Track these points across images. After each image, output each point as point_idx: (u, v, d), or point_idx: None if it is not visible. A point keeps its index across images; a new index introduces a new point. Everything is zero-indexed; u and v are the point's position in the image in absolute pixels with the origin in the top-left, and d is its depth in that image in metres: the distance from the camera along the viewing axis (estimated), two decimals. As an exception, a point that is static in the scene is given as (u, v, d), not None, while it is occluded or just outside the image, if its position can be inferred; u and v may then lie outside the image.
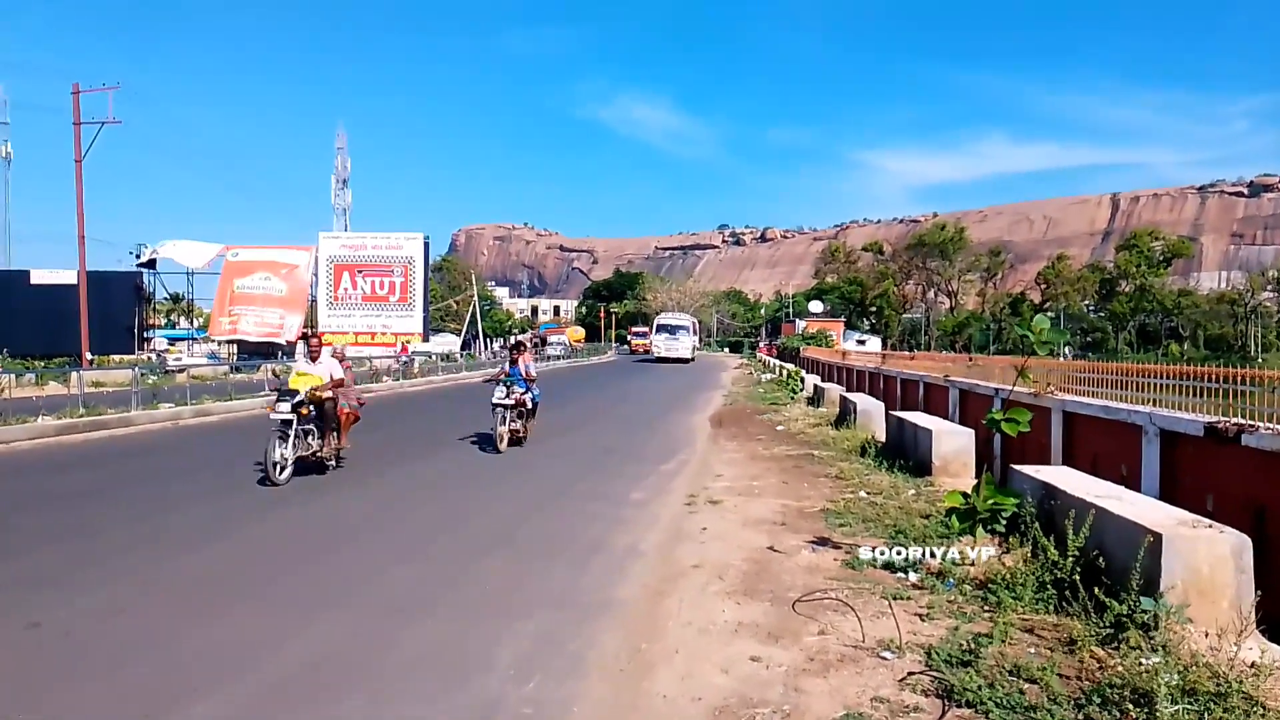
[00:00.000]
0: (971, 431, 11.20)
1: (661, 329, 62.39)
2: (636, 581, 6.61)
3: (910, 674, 4.58)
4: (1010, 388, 10.40)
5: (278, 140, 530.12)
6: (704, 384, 35.46)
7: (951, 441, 10.86)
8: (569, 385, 32.14)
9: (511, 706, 4.34)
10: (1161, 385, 11.40)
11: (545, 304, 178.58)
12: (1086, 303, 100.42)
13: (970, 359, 21.05)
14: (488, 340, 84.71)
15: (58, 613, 5.75)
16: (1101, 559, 5.44)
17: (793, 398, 24.47)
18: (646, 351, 78.51)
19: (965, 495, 6.47)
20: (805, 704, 4.32)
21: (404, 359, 37.20)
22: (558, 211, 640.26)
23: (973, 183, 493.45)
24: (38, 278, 48.54)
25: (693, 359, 61.66)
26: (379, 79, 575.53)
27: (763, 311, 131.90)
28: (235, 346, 51.73)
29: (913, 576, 6.30)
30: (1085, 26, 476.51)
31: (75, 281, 38.61)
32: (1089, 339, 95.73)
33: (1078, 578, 5.37)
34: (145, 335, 51.84)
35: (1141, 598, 4.84)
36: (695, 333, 68.12)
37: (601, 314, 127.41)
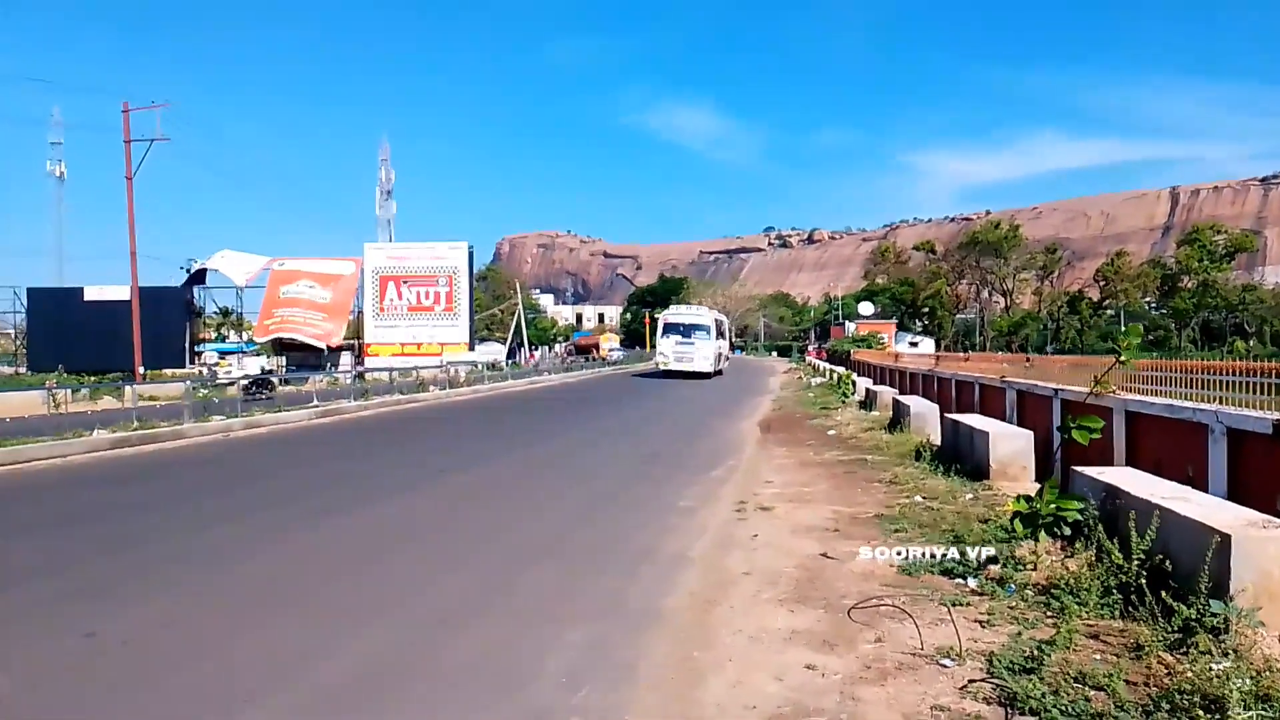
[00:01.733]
0: (1030, 433, 10.94)
1: (670, 330, 43.05)
2: (686, 589, 6.51)
3: (971, 682, 4.44)
4: (1070, 388, 10.15)
5: (323, 154, 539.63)
6: (751, 389, 35.26)
7: (1009, 444, 10.62)
8: (604, 395, 32.12)
9: (562, 715, 4.28)
10: (1227, 383, 11.05)
11: (589, 311, 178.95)
12: (1147, 300, 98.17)
13: (1027, 359, 20.64)
14: (533, 348, 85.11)
15: (113, 622, 5.82)
16: (1168, 562, 5.24)
17: (844, 402, 24.20)
18: None
19: (1027, 499, 6.30)
20: (862, 712, 4.21)
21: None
22: (601, 218, 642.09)
23: (1026, 180, 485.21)
24: (91, 294, 49.76)
25: (717, 372, 44.30)
26: (422, 91, 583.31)
27: (811, 314, 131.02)
28: (282, 357, 52.62)
29: (972, 582, 6.14)
30: (1139, 19, 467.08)
31: (128, 298, 39.52)
32: (1151, 337, 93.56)
33: (1144, 581, 5.19)
34: (196, 349, 52.90)
35: (1210, 601, 4.66)
36: (722, 334, 48.95)
37: (646, 320, 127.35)
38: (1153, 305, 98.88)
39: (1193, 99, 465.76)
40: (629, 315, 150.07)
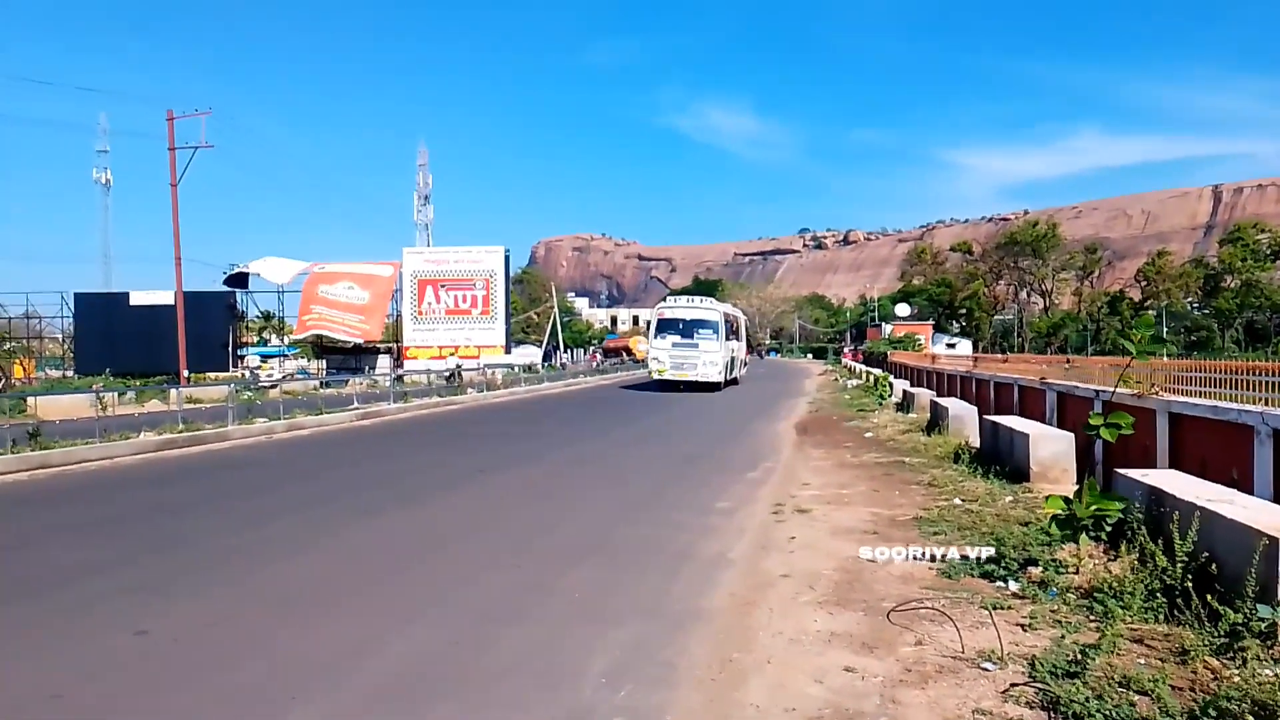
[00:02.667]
0: (1071, 435, 10.83)
1: (666, 328, 33.54)
2: (725, 591, 6.55)
3: (1013, 685, 4.44)
4: (1111, 389, 10.04)
5: (362, 158, 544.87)
6: (788, 391, 35.15)
7: (1050, 446, 10.54)
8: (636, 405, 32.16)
9: (604, 715, 4.33)
10: (1273, 384, 10.87)
11: (624, 314, 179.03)
12: (1190, 300, 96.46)
13: (1067, 360, 20.38)
14: (569, 351, 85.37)
15: (163, 620, 5.96)
16: (1214, 565, 5.20)
17: (881, 404, 24.06)
18: None
19: (1067, 501, 6.25)
20: (903, 715, 4.22)
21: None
22: (635, 221, 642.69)
23: (1065, 178, 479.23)
24: (137, 299, 50.60)
25: (731, 381, 35.63)
26: (458, 95, 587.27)
27: (846, 316, 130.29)
28: (323, 360, 53.24)
29: (1013, 585, 6.11)
30: (1180, 12, 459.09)
31: (172, 302, 40.16)
32: (1193, 337, 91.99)
33: (1189, 585, 5.15)
34: (238, 352, 53.66)
35: (1258, 605, 4.62)
36: (736, 333, 38.94)
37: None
38: (1195, 305, 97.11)
39: (1236, 94, 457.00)
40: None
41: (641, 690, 4.63)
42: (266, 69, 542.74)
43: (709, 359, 32.20)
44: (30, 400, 22.42)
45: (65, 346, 57.46)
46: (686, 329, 32.99)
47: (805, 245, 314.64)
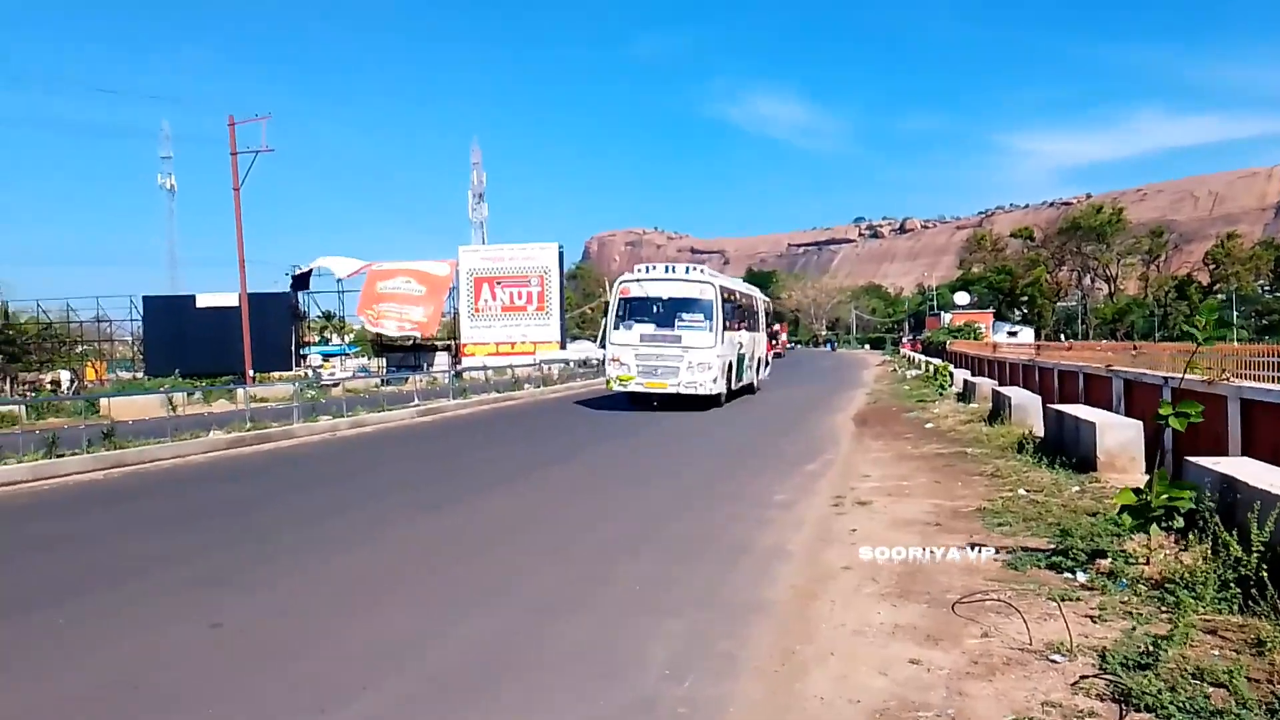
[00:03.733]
0: (1139, 423, 10.59)
1: (633, 311, 22.41)
2: (785, 583, 6.53)
3: (1083, 678, 4.36)
4: (1180, 376, 9.80)
5: (417, 158, 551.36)
6: (845, 383, 34.84)
7: (1117, 434, 10.32)
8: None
9: (667, 705, 4.35)
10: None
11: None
12: (1261, 282, 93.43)
13: (1134, 347, 19.89)
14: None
15: (236, 611, 6.13)
16: (1292, 555, 5.05)
17: (941, 394, 23.75)
18: (775, 355, 70.59)
19: (1137, 491, 6.12)
20: (970, 708, 4.17)
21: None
22: (688, 214, 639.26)
23: (1128, 160, 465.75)
24: (203, 301, 51.88)
25: (741, 390, 25.49)
26: (509, 94, 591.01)
27: (904, 306, 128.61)
28: (383, 358, 54.10)
29: (1081, 577, 6.01)
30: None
31: (237, 304, 41.07)
32: (1265, 321, 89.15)
33: (1265, 574, 5.01)
34: (301, 352, 54.74)
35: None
36: (745, 319, 26.98)
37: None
38: (1266, 289, 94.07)
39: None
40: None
41: (704, 681, 4.64)
42: (323, 73, 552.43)
43: (698, 359, 21.09)
44: (103, 401, 23.08)
45: (135, 349, 59.05)
46: (664, 312, 21.71)
47: (861, 234, 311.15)
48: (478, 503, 10.33)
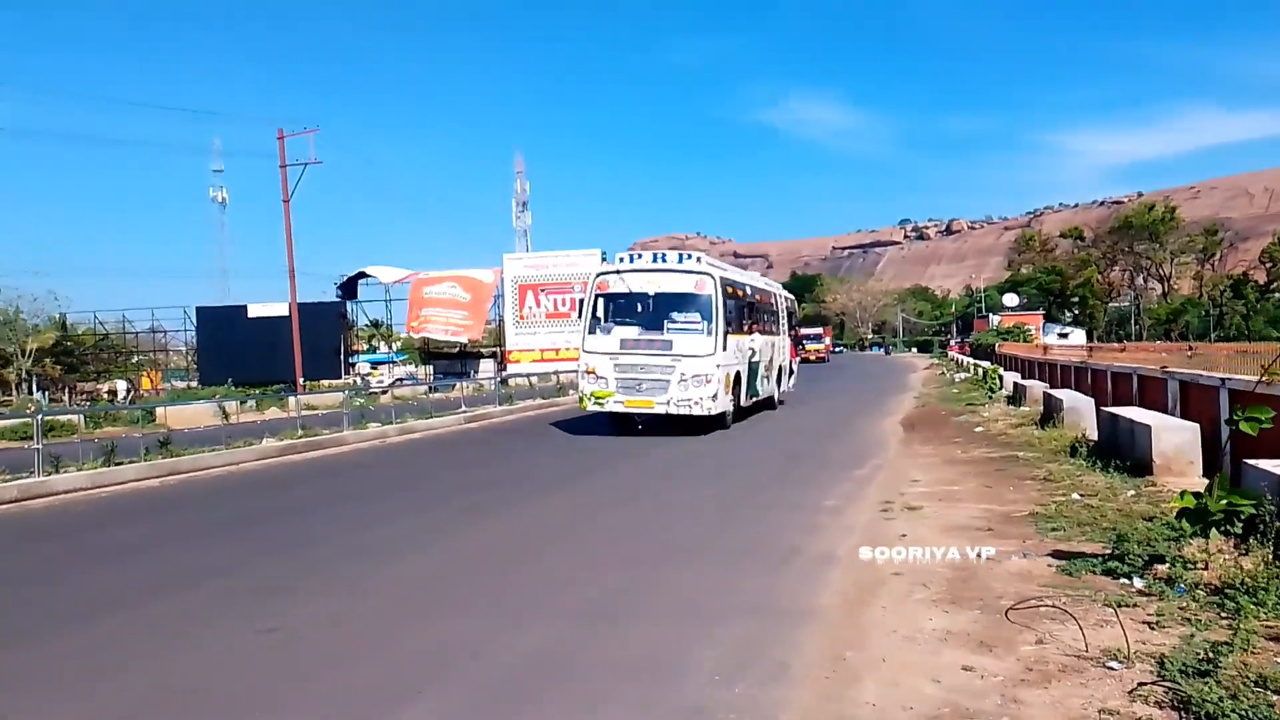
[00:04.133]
0: (1195, 426, 10.37)
1: (613, 311, 18.46)
2: (835, 589, 6.49)
3: (1140, 685, 4.29)
4: (1238, 377, 9.58)
5: (461, 168, 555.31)
6: (888, 389, 34.53)
7: (1173, 437, 10.11)
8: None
9: (720, 712, 4.34)
10: None
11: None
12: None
13: (1190, 348, 19.48)
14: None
15: (290, 617, 6.23)
16: (1360, 561, 4.91)
17: (990, 397, 23.42)
18: (818, 358, 68.14)
19: (1196, 495, 6.00)
20: (1025, 715, 4.12)
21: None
22: (730, 218, 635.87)
23: (1179, 157, 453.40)
24: (254, 311, 52.80)
25: (757, 405, 21.88)
26: (552, 102, 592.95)
27: (951, 308, 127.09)
28: (429, 365, 54.69)
29: (1138, 582, 5.89)
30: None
31: (287, 313, 41.75)
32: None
33: (1332, 582, 4.88)
34: (349, 360, 55.49)
35: None
36: (760, 318, 22.46)
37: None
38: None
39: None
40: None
41: (755, 688, 4.63)
42: (368, 85, 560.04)
43: (693, 371, 17.13)
44: (159, 410, 23.61)
45: (189, 358, 60.29)
46: (650, 312, 17.99)
47: (906, 236, 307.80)
48: (526, 509, 10.41)
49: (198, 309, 55.74)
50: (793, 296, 27.88)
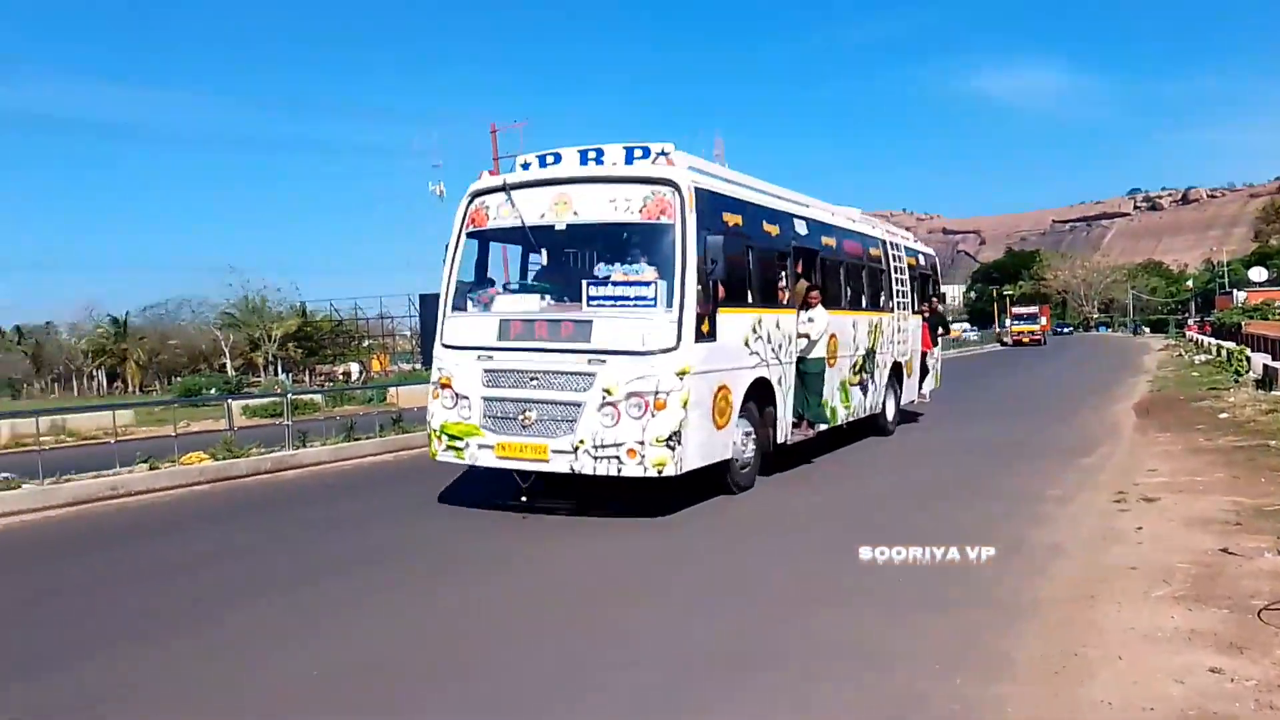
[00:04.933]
0: None
1: (509, 264, 10.48)
2: (1062, 582, 6.18)
3: None
4: None
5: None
6: (1122, 365, 32.23)
7: None
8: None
9: (941, 703, 4.25)
10: None
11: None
12: None
13: None
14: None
15: (504, 586, 6.60)
16: None
17: (1236, 381, 21.42)
18: (1032, 341, 63.58)
19: None
20: (1286, 725, 3.80)
21: None
22: (939, 193, 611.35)
23: None
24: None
25: (847, 426, 12.83)
26: (756, 83, 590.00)
27: (1189, 284, 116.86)
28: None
29: None
30: None
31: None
32: None
33: None
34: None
35: None
36: (853, 284, 13.13)
37: (995, 297, 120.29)
38: None
39: None
40: (973, 294, 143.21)
41: (976, 680, 4.49)
42: (570, 79, 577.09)
43: (627, 383, 8.18)
44: (390, 390, 25.32)
45: (414, 342, 64.41)
46: (559, 265, 10.28)
47: (1136, 207, 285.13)
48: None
49: (420, 296, 58.68)
50: (931, 252, 18.85)
